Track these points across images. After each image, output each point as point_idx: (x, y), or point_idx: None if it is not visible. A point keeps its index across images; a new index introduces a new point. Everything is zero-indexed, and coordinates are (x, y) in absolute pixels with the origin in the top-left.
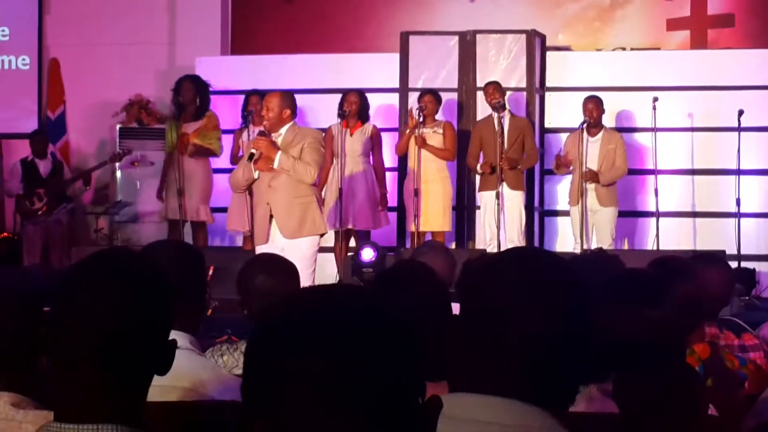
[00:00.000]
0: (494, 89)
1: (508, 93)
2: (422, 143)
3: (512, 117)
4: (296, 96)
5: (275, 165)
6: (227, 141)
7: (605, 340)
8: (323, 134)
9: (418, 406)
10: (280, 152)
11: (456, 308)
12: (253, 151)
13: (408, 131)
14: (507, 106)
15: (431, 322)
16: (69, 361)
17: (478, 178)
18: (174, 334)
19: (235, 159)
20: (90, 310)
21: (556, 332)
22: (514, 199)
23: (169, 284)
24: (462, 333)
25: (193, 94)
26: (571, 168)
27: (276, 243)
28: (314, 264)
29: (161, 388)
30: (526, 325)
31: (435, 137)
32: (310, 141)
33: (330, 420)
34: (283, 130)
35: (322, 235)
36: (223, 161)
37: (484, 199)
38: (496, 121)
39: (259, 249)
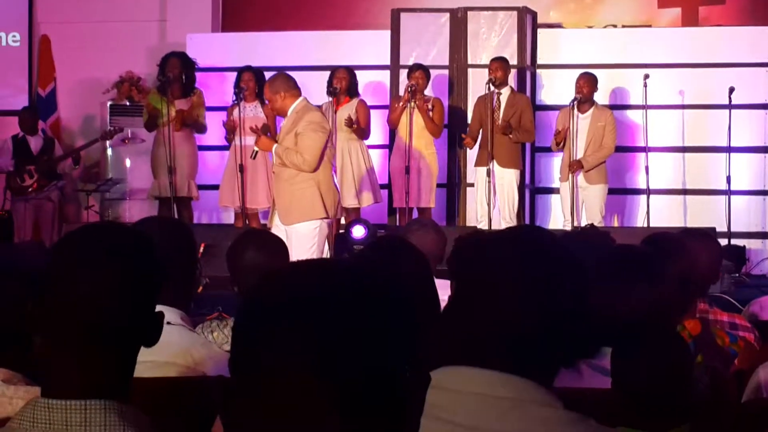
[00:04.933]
0: (496, 66)
1: None
2: (422, 110)
3: (512, 94)
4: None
5: (274, 160)
6: (216, 118)
7: (595, 317)
8: (322, 114)
9: (404, 379)
10: (275, 146)
11: (443, 284)
12: (255, 148)
13: (401, 104)
14: (509, 83)
15: (413, 297)
16: (57, 336)
17: (470, 153)
18: (165, 311)
19: (229, 136)
20: (76, 283)
21: (550, 308)
22: (507, 177)
23: (155, 256)
24: (455, 307)
25: (179, 71)
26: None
27: (279, 227)
28: (315, 245)
29: (154, 365)
30: (520, 300)
31: (425, 106)
32: (303, 126)
33: (312, 393)
34: (290, 111)
35: (336, 219)
36: (212, 138)
37: (477, 175)
38: (493, 98)
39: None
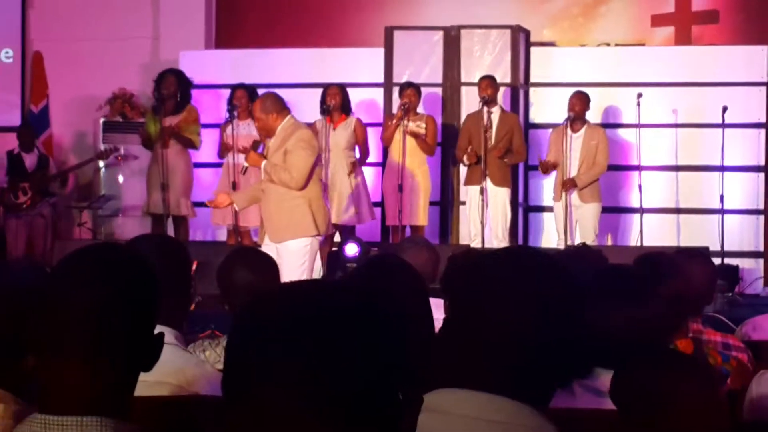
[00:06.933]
0: (487, 84)
1: None
2: (412, 133)
3: (502, 113)
4: (280, 90)
5: (262, 176)
6: (209, 135)
7: (588, 336)
8: (311, 132)
9: (397, 401)
10: (264, 163)
11: (436, 303)
12: (245, 164)
13: (395, 121)
14: (499, 101)
15: (409, 317)
16: (55, 356)
17: (463, 171)
18: (158, 329)
19: (222, 153)
20: (76, 303)
21: (544, 329)
22: (500, 196)
23: (154, 277)
24: (448, 329)
25: (174, 89)
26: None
27: (270, 245)
28: (306, 262)
29: (147, 384)
30: (514, 320)
31: (417, 131)
32: (293, 143)
33: (305, 414)
34: (279, 129)
35: (327, 236)
36: (206, 155)
37: (470, 193)
38: (485, 116)
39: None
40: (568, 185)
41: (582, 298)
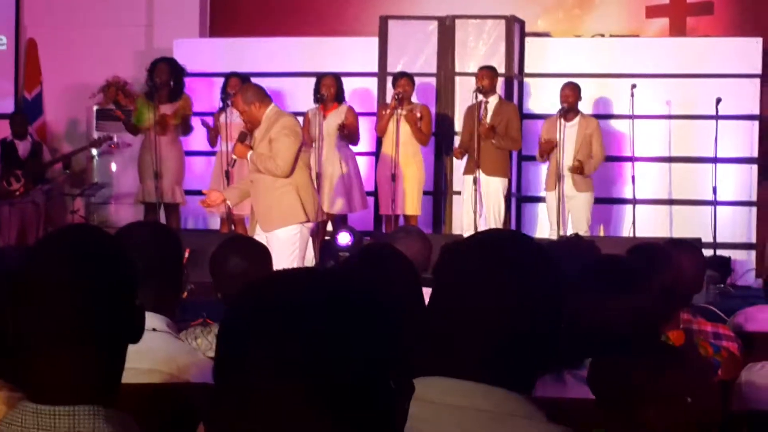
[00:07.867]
0: (483, 75)
1: None
2: (409, 117)
3: (499, 102)
4: (274, 79)
5: (249, 167)
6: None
7: (579, 327)
8: (295, 119)
9: (389, 389)
10: (249, 153)
11: (428, 293)
12: (234, 156)
13: (388, 111)
14: (497, 91)
15: (401, 306)
16: (37, 340)
17: (462, 161)
18: (150, 317)
19: (213, 141)
20: (48, 284)
21: (523, 316)
22: (492, 185)
23: (124, 250)
24: (434, 317)
25: (167, 76)
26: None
27: (261, 234)
28: (296, 250)
29: (139, 371)
30: (492, 309)
31: (411, 115)
32: (276, 131)
33: (297, 403)
34: (263, 120)
35: (319, 223)
36: (198, 144)
37: (465, 183)
38: (480, 107)
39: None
40: (576, 169)
41: (565, 284)
